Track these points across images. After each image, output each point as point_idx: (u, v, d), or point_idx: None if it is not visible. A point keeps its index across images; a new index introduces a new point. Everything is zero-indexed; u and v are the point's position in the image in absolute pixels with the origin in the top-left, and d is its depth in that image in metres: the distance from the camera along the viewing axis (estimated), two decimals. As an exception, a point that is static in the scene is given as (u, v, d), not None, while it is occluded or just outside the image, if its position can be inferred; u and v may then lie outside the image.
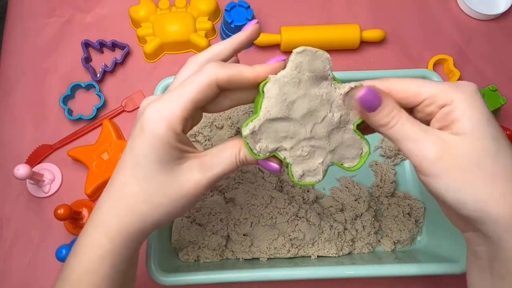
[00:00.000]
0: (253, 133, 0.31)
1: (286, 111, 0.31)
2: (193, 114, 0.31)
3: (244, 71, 0.31)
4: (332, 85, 0.32)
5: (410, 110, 0.32)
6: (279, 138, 0.31)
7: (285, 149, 0.32)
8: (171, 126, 0.30)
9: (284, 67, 0.31)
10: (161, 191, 0.31)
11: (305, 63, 0.30)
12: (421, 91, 0.30)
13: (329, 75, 0.31)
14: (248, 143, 0.31)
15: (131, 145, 0.31)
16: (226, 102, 0.32)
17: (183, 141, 0.32)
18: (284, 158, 0.32)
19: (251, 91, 0.32)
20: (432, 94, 0.30)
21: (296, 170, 0.32)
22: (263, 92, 0.30)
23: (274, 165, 0.32)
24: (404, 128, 0.30)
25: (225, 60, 0.34)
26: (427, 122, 0.31)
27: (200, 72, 0.30)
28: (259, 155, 0.31)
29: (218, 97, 0.32)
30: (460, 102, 0.29)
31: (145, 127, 0.30)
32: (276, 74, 0.31)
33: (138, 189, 0.31)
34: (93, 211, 0.33)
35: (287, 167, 0.33)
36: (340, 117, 0.32)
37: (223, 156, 0.32)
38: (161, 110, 0.30)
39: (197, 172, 0.32)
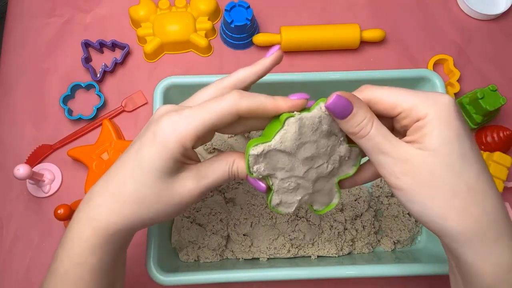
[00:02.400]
0: (258, 155, 0.32)
1: (294, 148, 0.32)
2: (207, 134, 0.32)
3: (266, 103, 0.32)
4: (339, 141, 0.34)
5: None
6: (275, 167, 0.33)
7: (276, 178, 0.34)
8: (182, 142, 0.31)
9: (306, 107, 0.33)
10: (156, 196, 0.32)
11: (328, 117, 0.32)
12: (397, 103, 0.31)
13: (340, 133, 0.34)
14: (249, 161, 0.32)
15: (138, 148, 0.32)
16: (240, 127, 0.34)
17: (189, 156, 0.33)
18: (272, 185, 0.34)
19: (266, 120, 0.34)
20: (408, 107, 0.30)
21: (275, 198, 0.35)
22: (283, 123, 0.32)
23: (263, 185, 0.34)
24: (374, 139, 0.30)
25: (250, 85, 0.35)
26: (404, 133, 0.32)
27: (223, 99, 0.31)
28: (252, 174, 0.33)
29: (234, 123, 0.33)
30: (433, 117, 0.29)
31: (157, 136, 0.31)
32: (298, 111, 0.32)
33: (134, 190, 0.31)
34: (84, 201, 0.33)
35: (269, 192, 0.35)
36: (332, 169, 0.35)
37: (217, 167, 0.34)
38: (177, 125, 0.31)
39: (191, 181, 0.33)
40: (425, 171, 0.29)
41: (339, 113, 0.31)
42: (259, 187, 0.34)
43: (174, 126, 0.31)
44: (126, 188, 0.31)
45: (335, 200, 0.37)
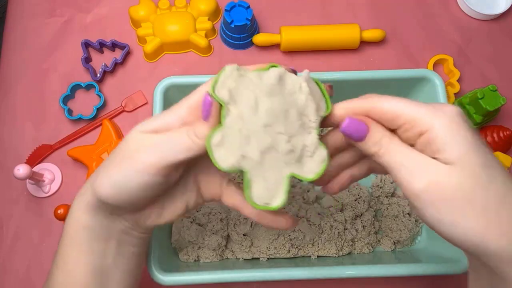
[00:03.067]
0: (232, 71, 0.30)
1: (267, 90, 0.30)
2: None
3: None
4: (309, 128, 0.31)
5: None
6: (237, 100, 0.30)
7: (231, 114, 0.30)
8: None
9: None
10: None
11: (309, 96, 0.31)
12: (399, 113, 0.29)
13: (315, 119, 0.31)
14: (219, 77, 0.30)
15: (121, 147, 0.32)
16: None
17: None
18: (224, 117, 0.30)
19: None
20: (411, 118, 0.28)
21: (218, 135, 0.29)
22: (268, 68, 0.31)
23: (209, 99, 0.29)
24: (394, 157, 0.29)
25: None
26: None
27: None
28: (213, 91, 0.30)
29: None
30: (441, 129, 0.27)
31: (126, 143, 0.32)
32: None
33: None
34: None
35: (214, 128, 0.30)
36: (289, 154, 0.31)
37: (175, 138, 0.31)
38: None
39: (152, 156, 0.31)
40: (451, 186, 0.27)
41: (356, 136, 0.30)
42: (207, 107, 0.29)
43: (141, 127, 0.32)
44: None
45: (277, 202, 0.31)
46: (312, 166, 0.31)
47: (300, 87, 0.31)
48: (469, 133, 0.28)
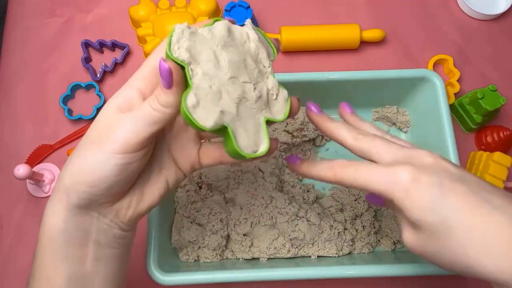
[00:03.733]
0: (184, 30, 0.29)
1: (221, 43, 0.30)
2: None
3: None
4: (266, 73, 0.33)
5: None
6: (198, 58, 0.29)
7: (197, 72, 0.29)
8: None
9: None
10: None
11: (257, 41, 0.32)
12: (366, 187, 0.32)
13: (268, 63, 0.33)
14: (171, 38, 0.29)
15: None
16: None
17: None
18: (190, 79, 0.29)
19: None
20: (377, 192, 0.31)
21: (191, 97, 0.29)
22: (213, 23, 0.31)
23: (165, 65, 0.28)
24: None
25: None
26: None
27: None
28: (171, 55, 0.28)
29: None
30: (399, 200, 0.30)
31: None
32: None
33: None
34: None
35: (185, 90, 0.29)
36: (258, 100, 0.32)
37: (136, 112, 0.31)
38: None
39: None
40: (419, 247, 0.31)
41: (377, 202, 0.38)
42: (165, 74, 0.28)
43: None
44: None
45: (263, 147, 0.32)
46: (279, 107, 0.33)
47: (248, 36, 0.32)
48: (427, 192, 0.29)
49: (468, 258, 0.28)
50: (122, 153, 0.29)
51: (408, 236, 0.31)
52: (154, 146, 0.33)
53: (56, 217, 0.31)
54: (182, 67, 0.29)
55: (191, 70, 0.29)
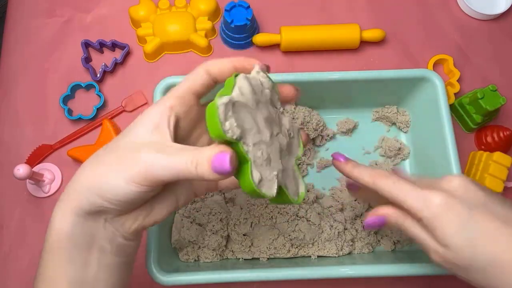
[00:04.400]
0: (227, 104, 0.27)
1: (254, 104, 0.30)
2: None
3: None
4: (279, 112, 0.33)
5: None
6: (244, 128, 0.28)
7: (248, 145, 0.29)
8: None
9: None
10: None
11: (267, 83, 0.32)
12: (398, 202, 0.36)
13: (279, 103, 0.33)
14: (219, 116, 0.27)
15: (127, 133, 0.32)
16: None
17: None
18: (247, 153, 0.28)
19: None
20: (407, 208, 0.35)
21: (255, 173, 0.28)
22: (235, 79, 0.30)
23: (227, 160, 0.27)
24: (417, 237, 0.36)
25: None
26: None
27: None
28: (225, 135, 0.27)
29: None
30: (429, 221, 0.34)
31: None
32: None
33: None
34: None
35: (243, 167, 0.29)
36: (287, 144, 0.33)
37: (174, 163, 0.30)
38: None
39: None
40: (448, 265, 0.35)
41: (377, 226, 0.38)
42: (222, 163, 0.27)
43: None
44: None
45: (302, 188, 0.34)
46: (295, 142, 0.35)
47: (261, 83, 0.31)
48: (456, 216, 0.33)
49: (495, 279, 0.32)
50: (143, 186, 0.29)
51: (436, 253, 0.35)
52: None
53: (64, 220, 0.31)
54: (230, 142, 0.28)
55: (243, 144, 0.28)
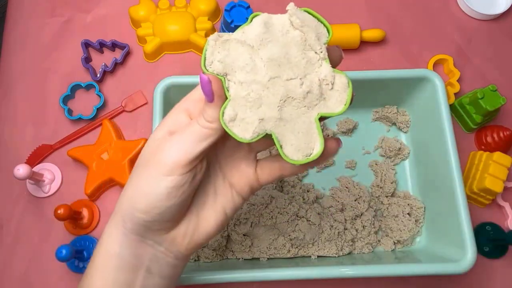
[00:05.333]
0: (216, 41, 0.28)
1: (258, 43, 0.28)
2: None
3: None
4: (319, 59, 0.29)
5: None
6: (234, 66, 0.28)
7: (233, 82, 0.28)
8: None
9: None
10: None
11: (302, 24, 0.29)
12: None
13: (321, 49, 0.29)
14: (206, 52, 0.28)
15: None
16: None
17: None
18: (227, 90, 0.28)
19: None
20: None
21: (229, 110, 0.28)
22: (250, 20, 0.29)
23: (205, 77, 0.28)
24: None
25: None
26: None
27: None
28: (207, 70, 0.28)
29: None
30: None
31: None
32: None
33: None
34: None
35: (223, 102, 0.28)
36: (308, 94, 0.28)
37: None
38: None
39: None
40: None
41: None
42: (206, 87, 0.28)
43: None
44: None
45: (317, 149, 0.28)
46: (338, 97, 0.29)
47: (290, 24, 0.29)
48: None
49: None
50: (171, 175, 0.29)
51: None
52: (207, 170, 0.33)
53: (112, 241, 0.31)
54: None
55: (228, 81, 0.28)
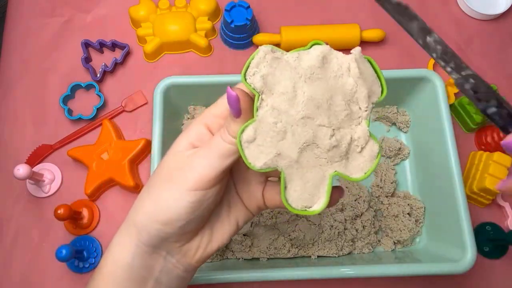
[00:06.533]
0: (266, 53, 0.26)
1: (306, 73, 0.26)
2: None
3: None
4: (359, 118, 0.27)
5: None
6: (273, 87, 0.27)
7: (266, 104, 0.27)
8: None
9: None
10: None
11: (358, 74, 0.27)
12: None
13: (366, 107, 0.27)
14: (251, 61, 0.26)
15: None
16: None
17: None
18: (257, 109, 0.27)
19: None
20: None
21: (250, 130, 0.26)
22: (309, 47, 0.27)
23: (233, 93, 0.26)
24: None
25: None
26: None
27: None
28: (246, 80, 0.26)
29: None
30: None
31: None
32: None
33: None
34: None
35: (247, 120, 0.27)
36: (333, 148, 0.27)
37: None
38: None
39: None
40: None
41: None
42: (233, 103, 0.26)
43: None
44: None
45: (318, 206, 0.27)
46: (361, 163, 0.27)
47: (348, 69, 0.27)
48: None
49: None
50: (196, 190, 0.29)
51: None
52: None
53: (123, 251, 0.31)
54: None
55: (262, 100, 0.26)
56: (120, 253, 0.31)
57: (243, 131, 0.26)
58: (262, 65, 0.26)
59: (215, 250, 0.33)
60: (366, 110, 0.27)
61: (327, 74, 0.27)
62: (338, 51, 0.27)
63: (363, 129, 0.27)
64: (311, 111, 0.26)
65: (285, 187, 0.27)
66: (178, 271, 0.32)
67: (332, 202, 0.29)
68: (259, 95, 0.26)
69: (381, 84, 0.28)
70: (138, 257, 0.31)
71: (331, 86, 0.27)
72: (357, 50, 0.27)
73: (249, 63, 0.26)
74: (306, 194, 0.27)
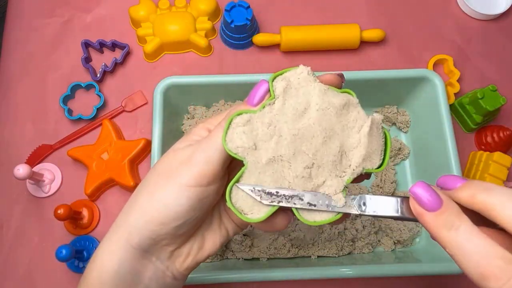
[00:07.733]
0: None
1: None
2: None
3: None
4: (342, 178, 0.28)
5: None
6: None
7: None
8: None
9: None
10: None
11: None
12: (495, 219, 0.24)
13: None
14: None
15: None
16: None
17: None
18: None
19: None
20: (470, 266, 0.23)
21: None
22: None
23: (266, 85, 0.28)
24: (462, 247, 0.24)
25: None
26: None
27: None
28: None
29: None
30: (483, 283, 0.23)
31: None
32: None
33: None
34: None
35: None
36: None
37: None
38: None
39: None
40: None
41: (427, 204, 0.26)
42: (260, 92, 0.28)
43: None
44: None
45: (253, 216, 0.28)
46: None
47: (361, 126, 0.27)
48: None
49: None
50: (196, 186, 0.28)
51: None
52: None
53: (111, 257, 0.29)
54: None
55: (273, 101, 0.28)
56: (108, 259, 0.29)
57: (239, 114, 0.27)
58: (294, 77, 0.28)
59: (205, 257, 0.32)
60: (353, 170, 0.27)
61: (341, 119, 0.27)
62: (360, 108, 0.28)
63: (339, 183, 0.27)
64: (305, 134, 0.27)
65: (237, 181, 0.28)
66: (167, 278, 0.31)
67: (275, 225, 0.29)
68: (275, 96, 0.27)
69: (383, 159, 0.28)
70: (126, 262, 0.29)
71: (337, 129, 0.27)
72: (378, 116, 0.28)
73: (284, 71, 0.28)
74: (250, 200, 0.27)
